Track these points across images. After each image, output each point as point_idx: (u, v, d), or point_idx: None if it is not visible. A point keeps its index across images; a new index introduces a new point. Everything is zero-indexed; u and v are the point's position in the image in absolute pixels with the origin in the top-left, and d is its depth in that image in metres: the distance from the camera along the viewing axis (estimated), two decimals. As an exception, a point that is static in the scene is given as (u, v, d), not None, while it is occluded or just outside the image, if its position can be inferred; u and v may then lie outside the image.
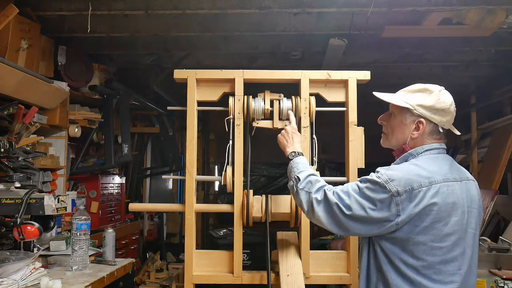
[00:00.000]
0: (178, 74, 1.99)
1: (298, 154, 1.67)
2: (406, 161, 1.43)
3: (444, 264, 1.30)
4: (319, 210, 1.39)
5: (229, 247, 1.96)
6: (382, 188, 1.30)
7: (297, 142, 1.74)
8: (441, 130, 1.43)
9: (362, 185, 1.35)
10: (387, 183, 1.30)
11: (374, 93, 1.52)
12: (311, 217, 1.45)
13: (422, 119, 1.41)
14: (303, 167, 1.58)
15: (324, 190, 1.41)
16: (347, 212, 1.33)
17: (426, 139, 1.42)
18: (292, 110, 1.94)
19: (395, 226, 1.30)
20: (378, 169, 1.36)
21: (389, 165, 1.44)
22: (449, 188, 1.32)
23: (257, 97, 1.98)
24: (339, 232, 1.39)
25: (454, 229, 1.31)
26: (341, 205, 1.34)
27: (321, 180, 1.49)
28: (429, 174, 1.32)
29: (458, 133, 1.51)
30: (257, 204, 1.93)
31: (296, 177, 1.53)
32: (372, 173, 1.36)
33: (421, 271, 1.29)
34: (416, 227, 1.29)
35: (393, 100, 1.46)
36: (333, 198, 1.37)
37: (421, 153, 1.41)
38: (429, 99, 1.41)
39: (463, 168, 1.45)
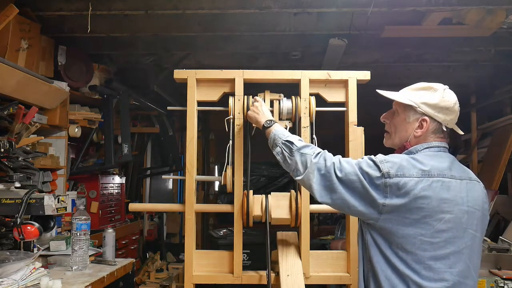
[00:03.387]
0: (178, 74, 1.98)
1: (274, 122, 1.69)
2: None
3: (435, 260, 1.28)
4: (314, 169, 1.39)
5: (229, 247, 1.96)
6: (376, 166, 1.32)
7: (268, 112, 1.78)
8: (444, 129, 1.42)
9: (361, 160, 1.38)
10: (381, 163, 1.32)
11: (378, 90, 1.51)
12: (303, 177, 1.43)
13: (426, 117, 1.40)
14: (287, 133, 1.60)
15: (325, 151, 1.45)
16: (340, 174, 1.35)
17: (429, 138, 1.41)
18: (292, 110, 1.94)
19: (382, 207, 1.29)
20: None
21: None
22: (444, 184, 1.30)
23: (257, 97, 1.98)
24: (325, 195, 1.37)
25: (448, 226, 1.28)
26: (336, 166, 1.37)
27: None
28: (424, 167, 1.31)
29: (461, 132, 1.50)
30: (257, 204, 1.92)
31: (287, 141, 1.53)
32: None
33: (411, 264, 1.28)
34: (405, 218, 1.28)
35: (396, 98, 1.45)
36: (332, 158, 1.41)
37: (420, 150, 1.40)
38: (433, 97, 1.40)
39: (467, 169, 1.43)
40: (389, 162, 1.32)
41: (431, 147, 1.40)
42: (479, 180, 1.42)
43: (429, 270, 1.28)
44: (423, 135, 1.41)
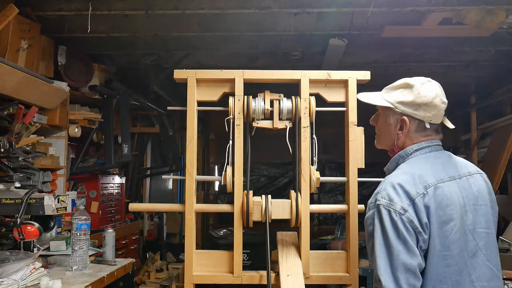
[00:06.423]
0: (178, 74, 1.98)
1: None
2: (397, 164, 1.36)
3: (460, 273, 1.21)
4: None
5: (229, 247, 1.96)
6: (392, 215, 1.19)
7: None
8: (427, 126, 1.33)
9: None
10: (390, 206, 1.19)
11: (358, 95, 1.47)
12: None
13: (404, 117, 1.33)
14: None
15: None
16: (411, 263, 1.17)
17: (413, 138, 1.34)
18: (292, 110, 1.94)
19: (424, 243, 1.21)
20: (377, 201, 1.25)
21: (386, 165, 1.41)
22: (443, 189, 1.23)
23: (257, 97, 1.98)
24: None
25: (459, 232, 1.22)
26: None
27: None
28: (419, 179, 1.23)
29: (451, 126, 1.39)
30: (257, 205, 1.92)
31: None
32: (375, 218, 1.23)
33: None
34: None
35: (371, 100, 1.40)
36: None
37: (411, 154, 1.33)
38: (409, 94, 1.33)
39: (464, 163, 1.36)
40: (393, 199, 1.20)
41: (421, 149, 1.33)
42: (480, 171, 1.36)
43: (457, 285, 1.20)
44: (406, 135, 1.35)
